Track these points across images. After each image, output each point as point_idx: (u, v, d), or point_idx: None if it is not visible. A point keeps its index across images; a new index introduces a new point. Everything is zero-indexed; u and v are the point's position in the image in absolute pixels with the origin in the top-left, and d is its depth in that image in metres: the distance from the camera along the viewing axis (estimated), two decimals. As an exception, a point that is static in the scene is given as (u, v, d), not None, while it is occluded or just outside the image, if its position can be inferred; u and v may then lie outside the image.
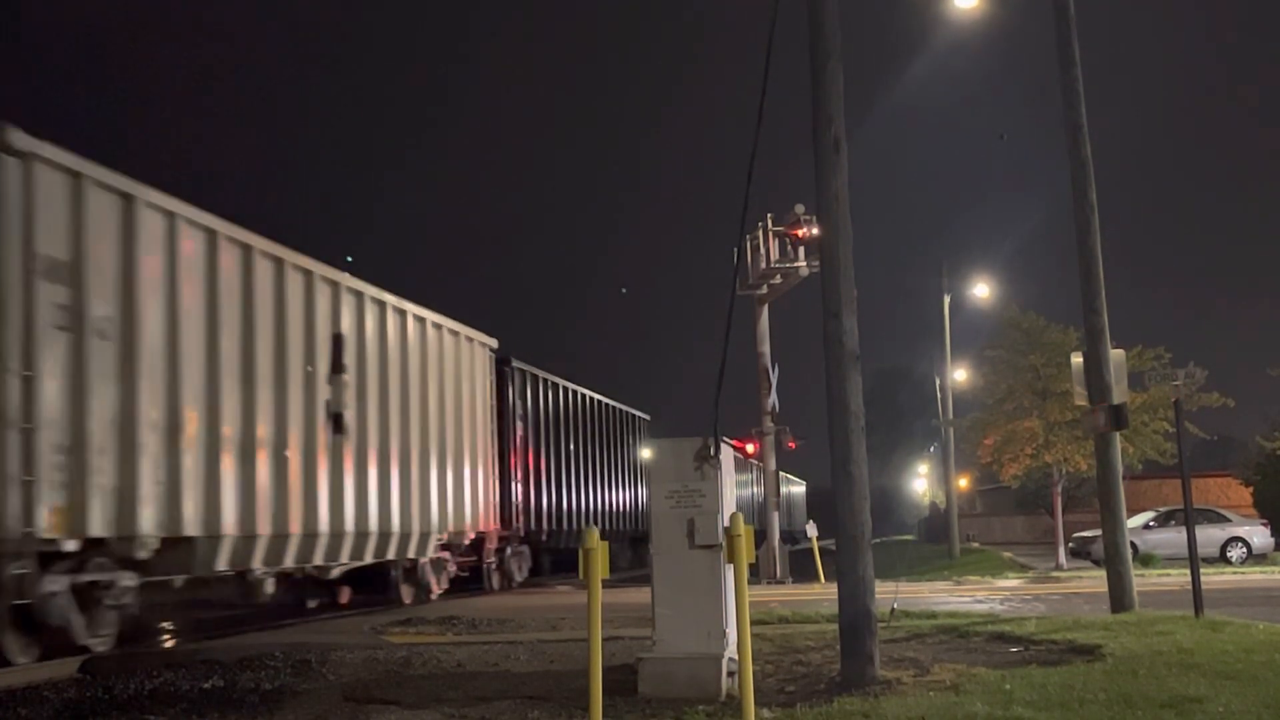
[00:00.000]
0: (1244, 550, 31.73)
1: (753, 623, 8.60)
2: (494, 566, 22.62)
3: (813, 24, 9.94)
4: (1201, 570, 14.05)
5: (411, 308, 18.68)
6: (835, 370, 9.68)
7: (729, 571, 8.50)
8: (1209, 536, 29.72)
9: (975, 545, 51.92)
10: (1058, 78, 15.23)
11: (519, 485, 23.30)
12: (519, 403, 23.47)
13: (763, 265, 26.27)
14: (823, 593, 18.99)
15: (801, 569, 28.23)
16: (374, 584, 18.48)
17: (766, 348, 27.10)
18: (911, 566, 35.06)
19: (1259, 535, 32.41)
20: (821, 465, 10.22)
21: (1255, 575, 25.42)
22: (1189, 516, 14.21)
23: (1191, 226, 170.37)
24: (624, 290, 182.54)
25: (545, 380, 25.27)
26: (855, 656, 9.23)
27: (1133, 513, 26.78)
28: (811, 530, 29.97)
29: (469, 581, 21.59)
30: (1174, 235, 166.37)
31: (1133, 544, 18.26)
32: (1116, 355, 15.08)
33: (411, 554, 18.58)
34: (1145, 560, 27.41)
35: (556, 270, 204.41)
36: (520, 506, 23.37)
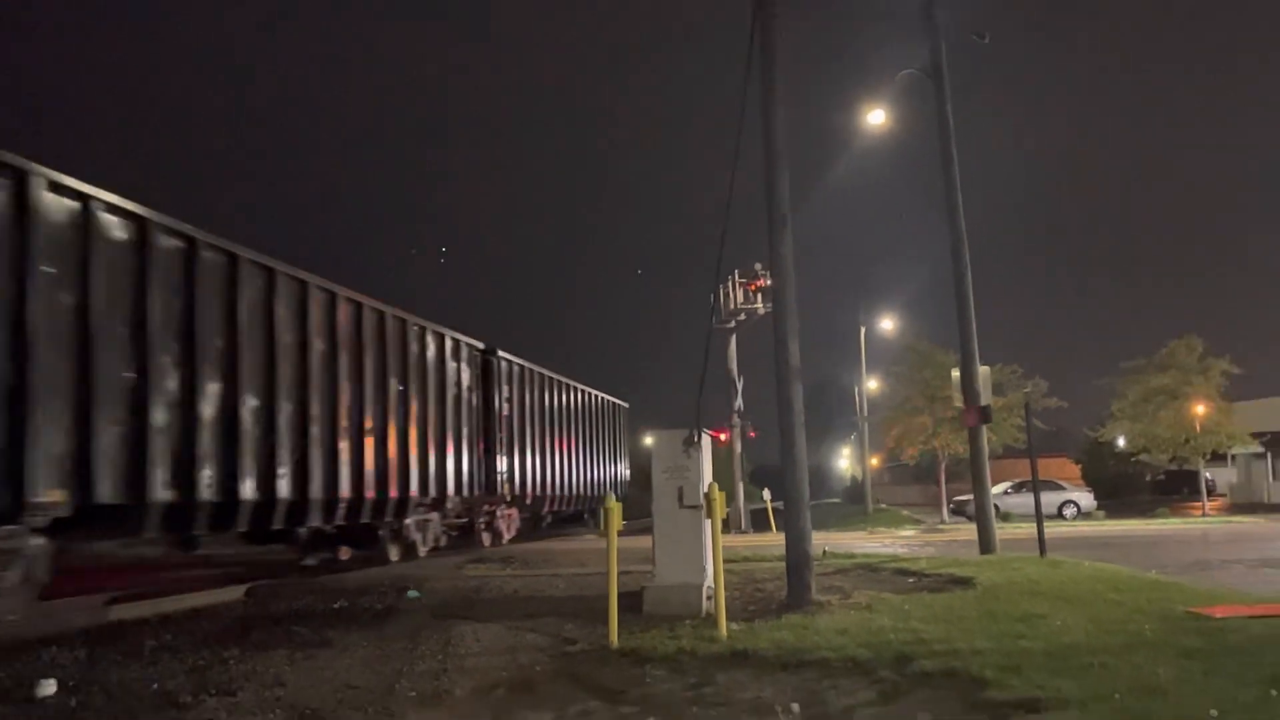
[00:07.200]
0: (1075, 509, 31.90)
1: (724, 561, 8.58)
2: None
3: (765, 136, 9.93)
4: (1045, 524, 14.03)
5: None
6: (783, 381, 9.68)
7: (708, 524, 8.49)
8: (1050, 500, 29.76)
9: (883, 507, 51.50)
10: (940, 172, 15.26)
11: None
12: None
13: (731, 306, 26.36)
14: (775, 540, 18.89)
15: (759, 523, 28.16)
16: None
17: (734, 365, 27.15)
18: (838, 522, 34.92)
19: (1085, 499, 32.78)
20: (774, 449, 10.21)
21: (1083, 528, 25.30)
22: (1035, 485, 14.17)
23: (1040, 265, 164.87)
24: (639, 271, 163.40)
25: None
26: (798, 586, 9.20)
27: (996, 483, 26.71)
28: (767, 495, 29.98)
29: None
30: (1025, 274, 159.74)
31: (995, 505, 18.18)
32: (984, 371, 15.10)
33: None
34: (1004, 517, 27.27)
35: (551, 267, 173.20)
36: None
